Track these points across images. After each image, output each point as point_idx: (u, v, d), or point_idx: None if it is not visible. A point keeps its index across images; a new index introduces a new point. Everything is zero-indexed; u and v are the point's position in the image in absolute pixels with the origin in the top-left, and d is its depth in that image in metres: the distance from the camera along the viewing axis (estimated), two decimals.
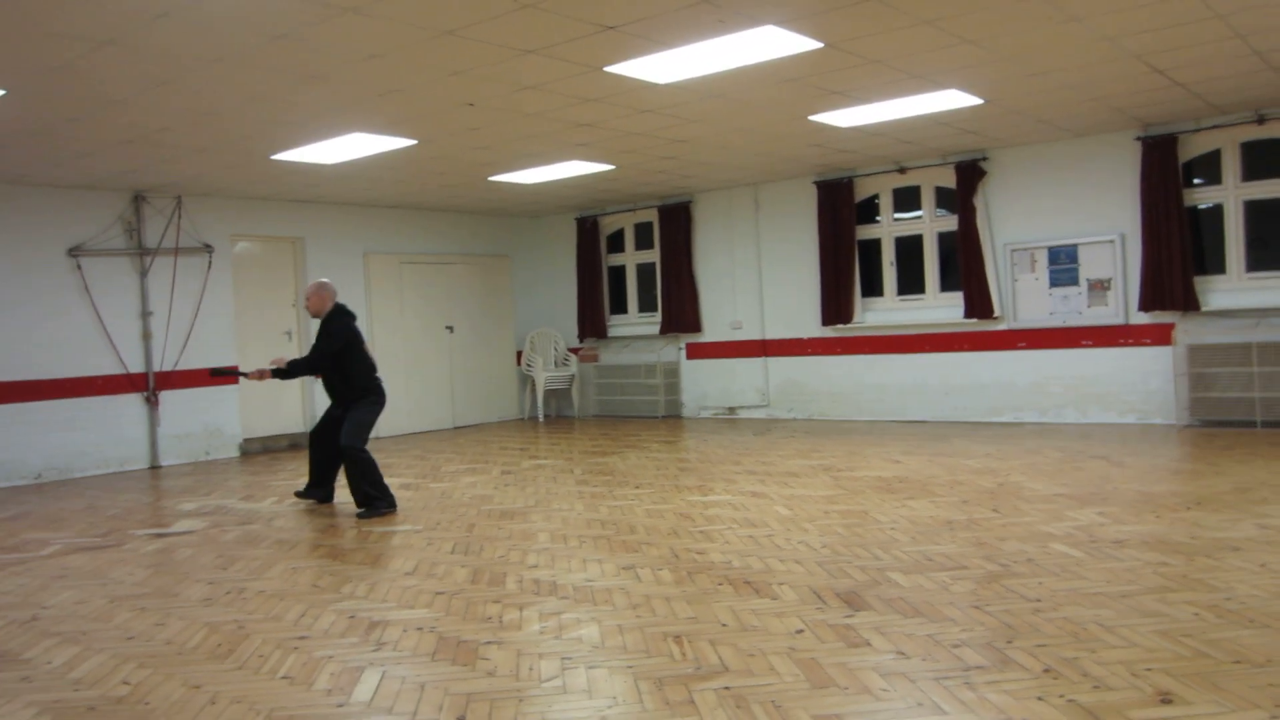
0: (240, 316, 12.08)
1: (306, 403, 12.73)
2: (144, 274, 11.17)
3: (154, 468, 11.12)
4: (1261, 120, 9.77)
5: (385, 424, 13.17)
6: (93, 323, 10.79)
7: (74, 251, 10.64)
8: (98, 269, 10.83)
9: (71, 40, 5.90)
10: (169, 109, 7.61)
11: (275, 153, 9.43)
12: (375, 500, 7.41)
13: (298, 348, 12.64)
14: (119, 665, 4.15)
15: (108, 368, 10.90)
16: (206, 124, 8.16)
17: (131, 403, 11.09)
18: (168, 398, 11.31)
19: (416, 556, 5.99)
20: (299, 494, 8.16)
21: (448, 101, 7.89)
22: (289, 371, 7.63)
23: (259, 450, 12.07)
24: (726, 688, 3.57)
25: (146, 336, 11.18)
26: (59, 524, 7.77)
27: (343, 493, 8.09)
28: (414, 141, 9.27)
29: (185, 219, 11.49)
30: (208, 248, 11.67)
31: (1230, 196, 10.16)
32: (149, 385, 11.18)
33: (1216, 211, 10.29)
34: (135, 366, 11.11)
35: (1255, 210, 10.09)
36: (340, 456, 7.58)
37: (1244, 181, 10.09)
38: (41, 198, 10.45)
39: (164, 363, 11.30)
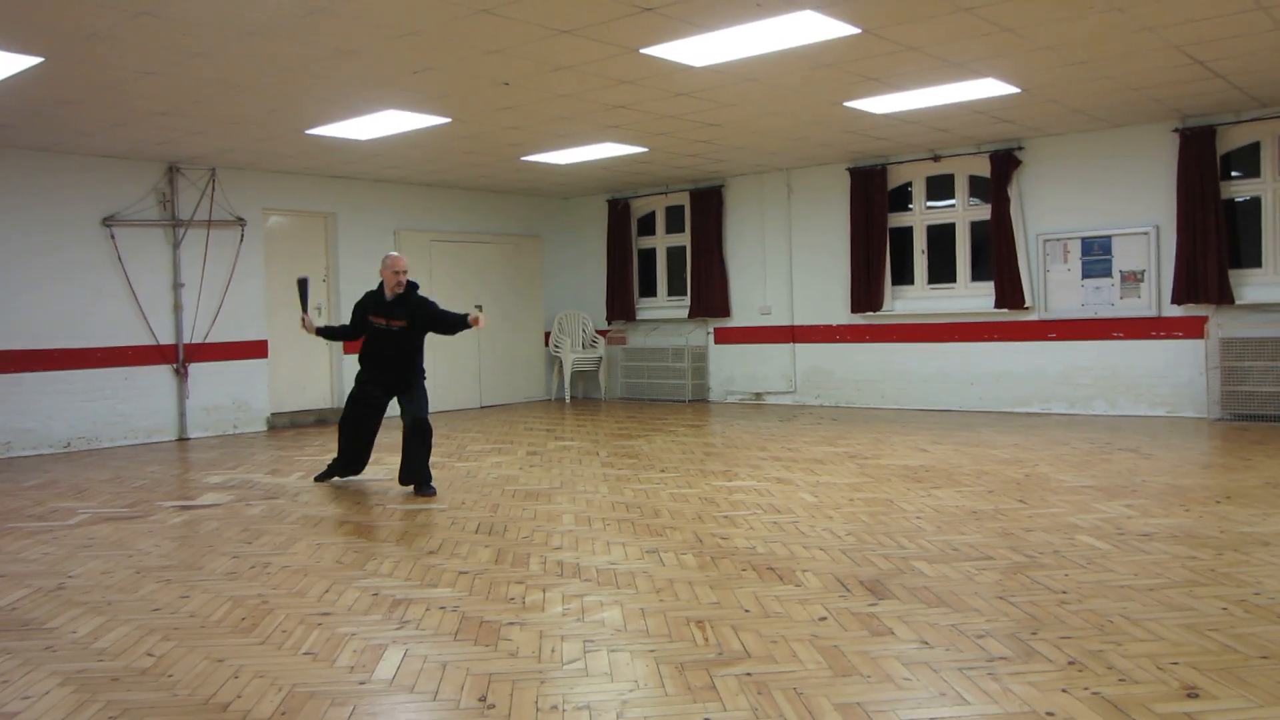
0: (271, 290, 12.14)
1: (335, 379, 12.81)
2: (177, 245, 11.25)
3: (181, 440, 11.22)
4: None
5: None
6: (124, 293, 10.88)
7: (108, 221, 10.72)
8: (131, 239, 10.91)
9: (108, 9, 5.93)
10: (204, 81, 7.64)
11: (309, 127, 9.46)
12: (429, 475, 7.46)
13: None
14: (143, 637, 4.19)
15: (138, 338, 11.00)
16: (241, 97, 8.19)
17: (161, 374, 11.18)
18: (197, 370, 11.40)
19: (441, 535, 6.02)
20: (321, 477, 8.04)
21: (482, 80, 7.88)
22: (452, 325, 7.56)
23: (286, 425, 12.16)
24: (748, 674, 3.57)
25: (177, 308, 11.27)
26: (86, 494, 7.85)
27: (371, 469, 8.15)
28: (447, 120, 9.27)
29: (219, 191, 11.55)
30: (240, 221, 11.73)
31: (1269, 190, 10.02)
32: (179, 357, 11.27)
33: (1254, 205, 10.16)
34: (165, 338, 11.20)
35: None
36: (415, 431, 7.37)
37: None
38: (76, 167, 10.53)
39: (194, 335, 11.38)
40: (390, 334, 7.49)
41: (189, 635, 4.19)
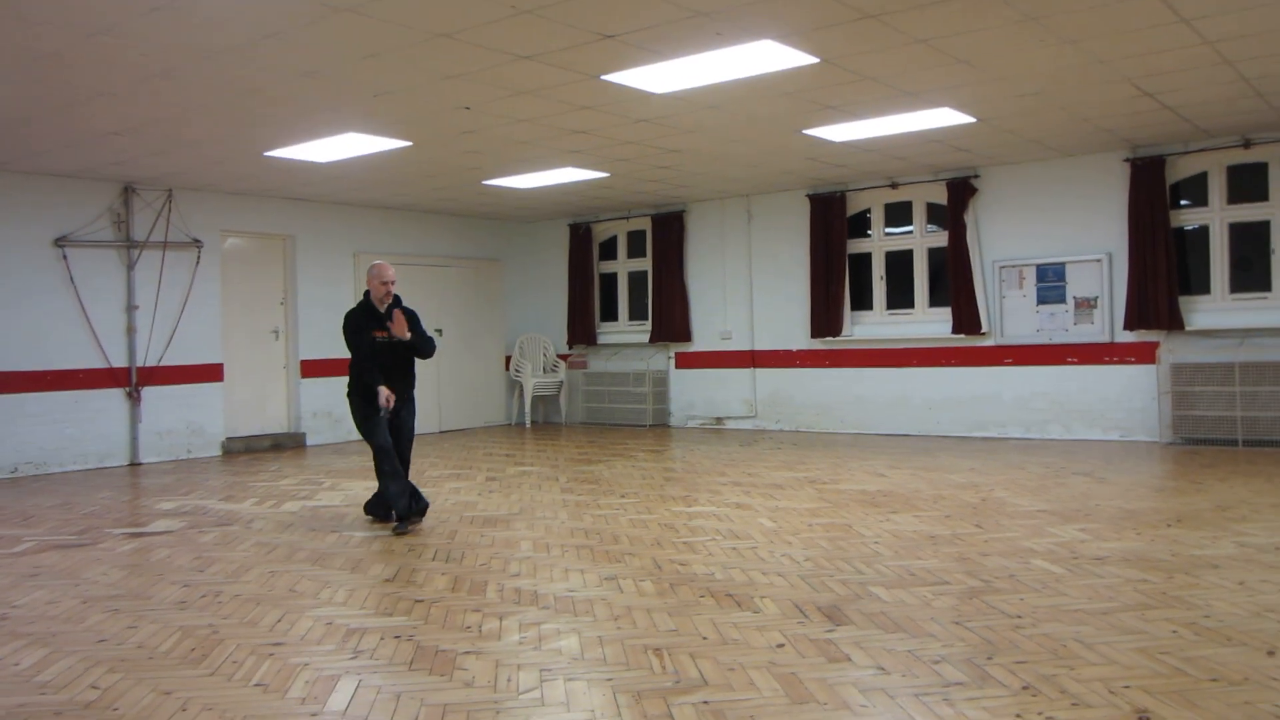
0: (227, 313, 12.01)
1: (291, 403, 12.68)
2: (131, 267, 11.11)
3: (133, 465, 11.04)
4: (1247, 144, 9.83)
5: None
6: (76, 315, 10.71)
7: (60, 242, 10.56)
8: (84, 260, 10.76)
9: (64, 29, 5.86)
10: (160, 102, 7.57)
11: (268, 149, 9.39)
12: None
13: (285, 347, 12.59)
14: (89, 669, 4.10)
15: (90, 361, 10.83)
16: (198, 118, 8.13)
17: (113, 398, 11.01)
18: (150, 394, 11.23)
19: (397, 563, 5.96)
20: (401, 527, 6.88)
21: (443, 104, 7.87)
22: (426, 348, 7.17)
23: (241, 450, 12.00)
24: (705, 702, 3.55)
25: (131, 331, 11.11)
26: (33, 521, 7.69)
27: (327, 494, 8.06)
28: (408, 143, 9.24)
29: (175, 213, 11.43)
30: (197, 243, 11.61)
31: (1216, 218, 10.22)
32: (131, 380, 11.10)
33: (1202, 233, 10.35)
34: (118, 361, 11.04)
35: (1239, 232, 10.17)
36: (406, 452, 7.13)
37: (1229, 204, 10.17)
38: (29, 186, 10.36)
39: (148, 358, 11.22)
40: (391, 346, 7.06)
41: (136, 667, 4.11)
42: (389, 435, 7.02)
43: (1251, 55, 7.05)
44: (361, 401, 7.05)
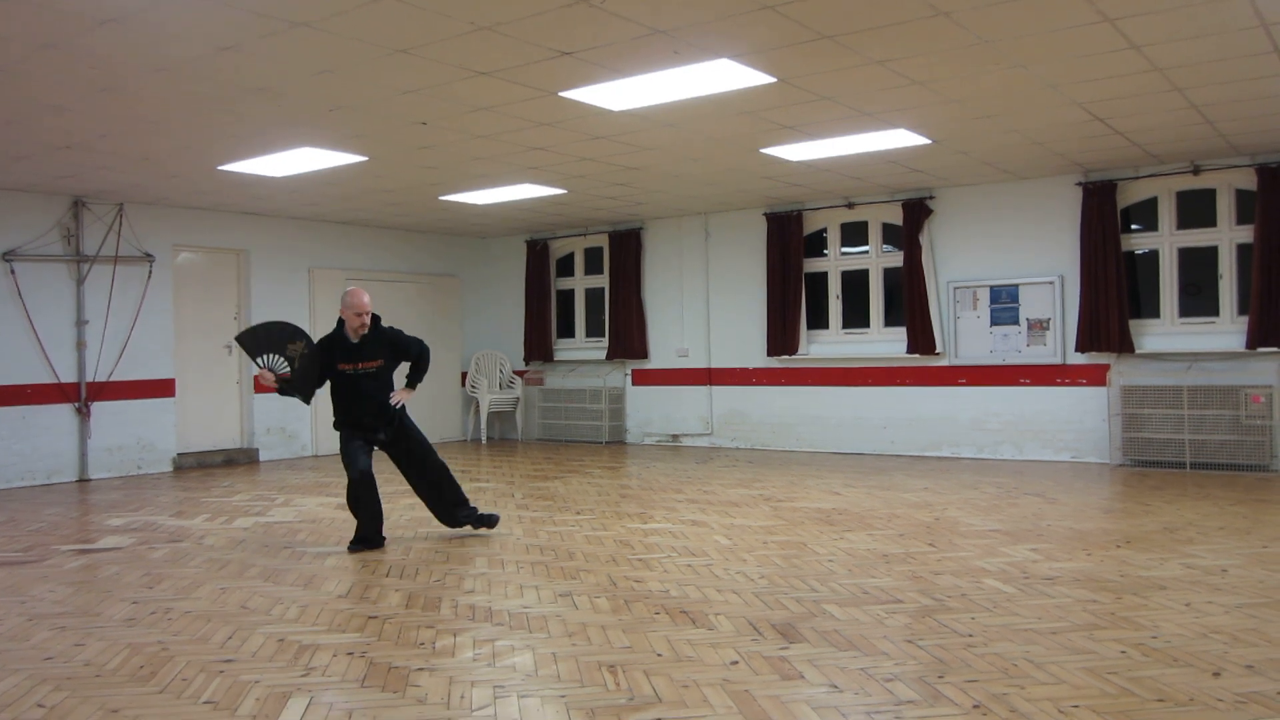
0: (180, 328, 11.86)
1: (244, 418, 12.53)
2: (81, 282, 10.95)
3: (82, 481, 10.85)
4: (1196, 170, 10.03)
5: (326, 442, 13.01)
6: (24, 330, 10.53)
7: (8, 256, 10.39)
8: (32, 275, 10.59)
9: (10, 42, 5.78)
10: (110, 116, 7.48)
11: (221, 164, 9.30)
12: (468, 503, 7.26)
13: (238, 362, 12.44)
14: (34, 687, 4.03)
15: (38, 376, 10.64)
16: (150, 133, 8.04)
17: (61, 413, 10.83)
18: (100, 409, 11.06)
19: (351, 579, 5.90)
20: (357, 546, 6.83)
21: (399, 120, 7.84)
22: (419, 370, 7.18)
23: (193, 465, 11.84)
24: (659, 719, 3.55)
25: (80, 346, 10.94)
26: None
27: (281, 511, 7.97)
28: (364, 158, 9.20)
29: (126, 227, 11.28)
30: (149, 257, 11.46)
31: (1165, 243, 10.41)
32: (81, 396, 10.93)
33: (1152, 257, 10.53)
34: (67, 376, 10.86)
35: (1188, 257, 10.36)
36: (434, 472, 7.10)
37: (1179, 229, 10.35)
38: None
39: (98, 373, 11.05)
40: (362, 377, 6.80)
41: (83, 685, 4.04)
42: (367, 466, 6.85)
43: (1200, 82, 7.20)
44: (342, 431, 6.95)
